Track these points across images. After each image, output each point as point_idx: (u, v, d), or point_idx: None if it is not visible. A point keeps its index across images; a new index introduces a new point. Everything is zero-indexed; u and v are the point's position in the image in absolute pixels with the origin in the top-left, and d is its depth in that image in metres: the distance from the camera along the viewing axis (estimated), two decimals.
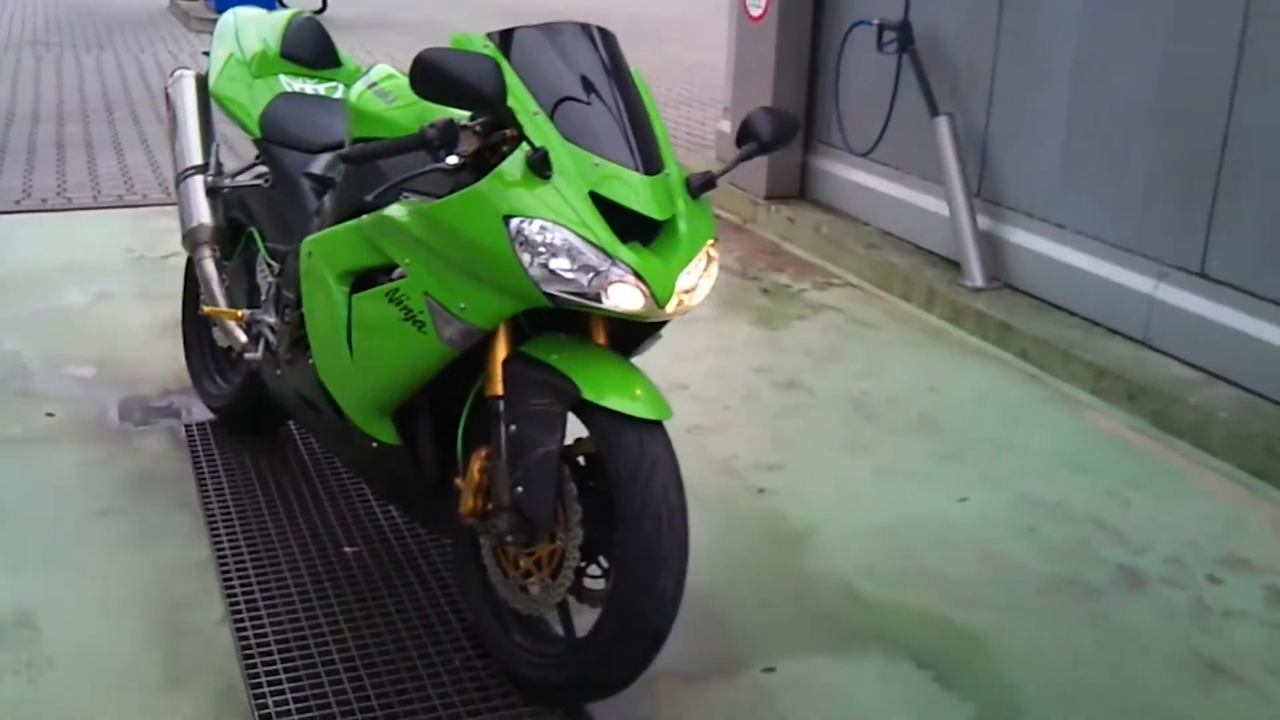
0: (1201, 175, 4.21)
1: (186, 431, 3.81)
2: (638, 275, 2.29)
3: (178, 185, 3.58)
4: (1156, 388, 4.12)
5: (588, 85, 2.41)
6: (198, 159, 3.58)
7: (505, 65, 2.35)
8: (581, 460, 2.50)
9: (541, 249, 2.27)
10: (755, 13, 6.29)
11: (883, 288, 5.37)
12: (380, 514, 3.33)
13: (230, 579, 3.01)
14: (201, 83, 3.66)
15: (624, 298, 2.30)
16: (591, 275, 2.28)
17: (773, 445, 3.87)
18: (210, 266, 3.51)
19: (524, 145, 2.32)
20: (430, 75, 2.22)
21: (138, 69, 10.68)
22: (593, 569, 2.53)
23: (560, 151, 2.31)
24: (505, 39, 2.42)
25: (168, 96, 3.73)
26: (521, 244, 2.27)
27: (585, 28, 2.50)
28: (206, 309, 3.48)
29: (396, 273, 2.55)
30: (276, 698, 2.58)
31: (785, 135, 2.60)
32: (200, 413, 3.90)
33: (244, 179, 3.51)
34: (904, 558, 3.24)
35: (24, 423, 3.85)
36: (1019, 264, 5.02)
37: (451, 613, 2.88)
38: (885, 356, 4.66)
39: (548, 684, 2.54)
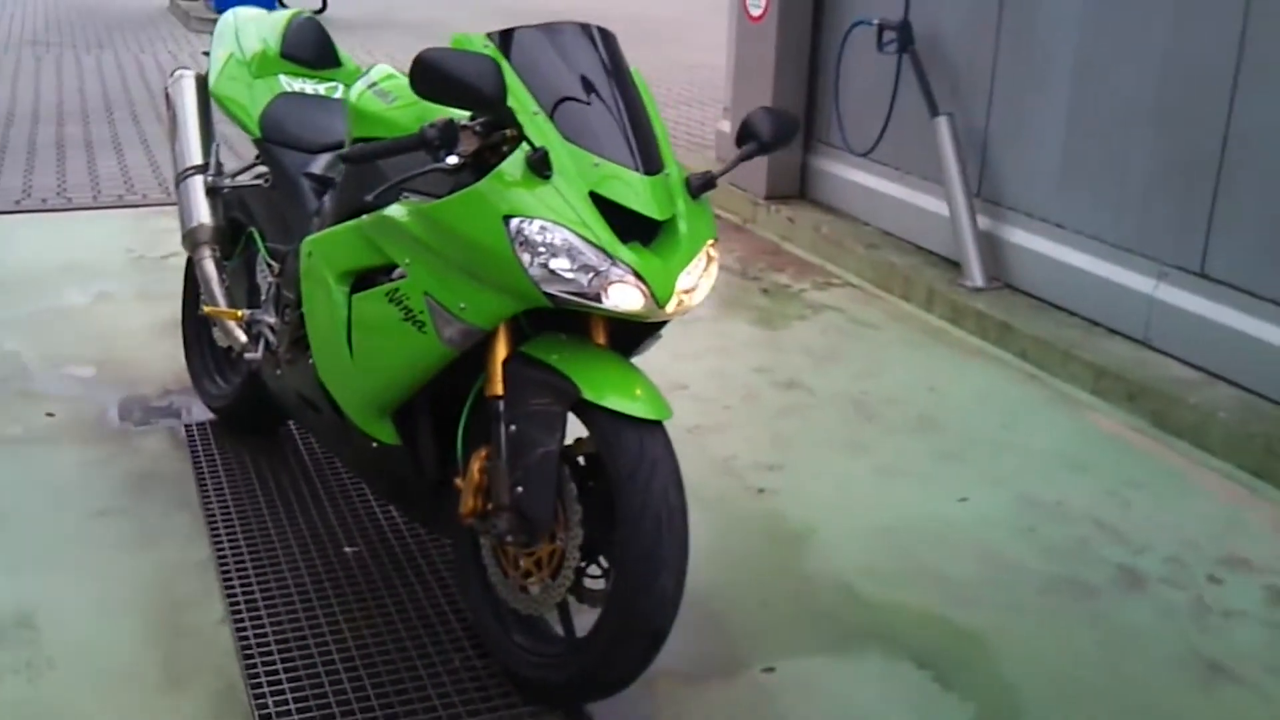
0: (1201, 175, 4.21)
1: (186, 431, 3.81)
2: (638, 275, 2.29)
3: (178, 185, 3.59)
4: (1156, 388, 4.12)
5: (588, 85, 2.41)
6: (198, 159, 3.58)
7: (505, 65, 2.35)
8: (581, 460, 2.50)
9: (541, 249, 2.27)
10: (755, 13, 6.29)
11: (883, 288, 5.37)
12: (380, 514, 3.33)
13: (230, 579, 3.01)
14: (201, 83, 3.66)
15: (624, 298, 2.30)
16: (591, 275, 2.28)
17: (772, 445, 3.87)
18: (210, 266, 3.51)
19: (524, 145, 2.32)
20: (430, 75, 2.22)
21: (138, 69, 10.68)
22: (593, 569, 2.53)
23: (560, 151, 2.31)
24: (505, 39, 2.42)
25: (168, 96, 3.73)
26: (521, 244, 2.28)
27: (585, 28, 2.50)
28: (206, 309, 3.48)
29: (396, 273, 2.55)
30: (276, 698, 2.58)
31: (785, 135, 2.59)
32: (200, 413, 3.90)
33: (244, 179, 3.51)
34: (904, 558, 3.24)
35: (24, 423, 3.85)
36: (1019, 264, 5.02)
37: (451, 613, 2.88)
38: (885, 356, 4.67)
39: (548, 684, 2.54)
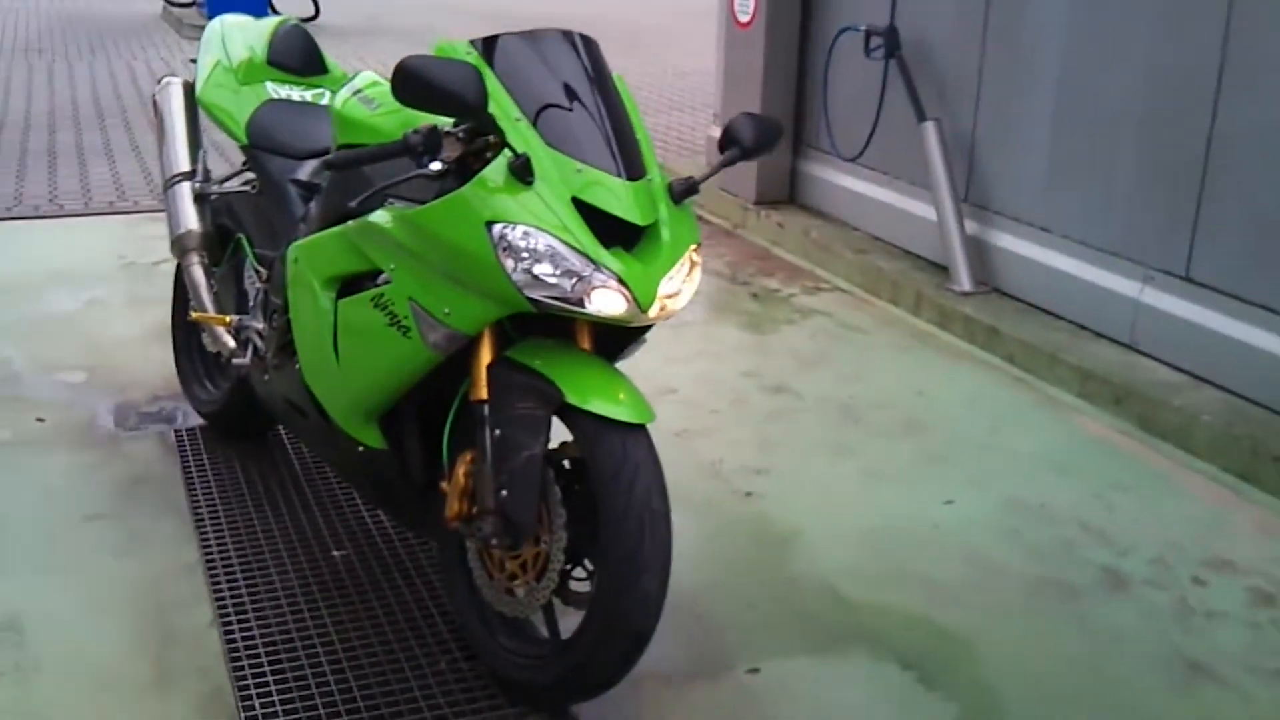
0: (1186, 179, 4.23)
1: (176, 436, 3.82)
2: (620, 280, 2.31)
3: (166, 192, 3.60)
4: (1142, 391, 4.14)
5: (570, 92, 2.43)
6: (185, 165, 3.60)
7: (487, 72, 2.37)
8: (566, 464, 2.52)
9: (524, 254, 2.29)
10: (743, 19, 6.32)
11: (871, 292, 5.40)
12: (368, 518, 3.35)
13: (219, 582, 3.02)
14: (189, 90, 3.67)
15: (607, 302, 2.32)
16: (574, 280, 2.30)
17: (760, 449, 3.89)
18: (198, 272, 3.53)
19: (506, 151, 2.34)
20: (411, 83, 2.24)
21: (130, 76, 10.69)
22: (578, 572, 2.55)
23: (543, 157, 2.33)
24: (488, 46, 2.44)
25: (155, 103, 3.74)
26: (505, 249, 2.29)
27: (568, 34, 2.52)
28: (195, 315, 3.49)
29: (381, 278, 2.56)
30: (264, 700, 2.59)
31: (768, 141, 2.61)
32: (190, 418, 3.92)
33: (231, 185, 3.52)
34: (889, 560, 3.26)
35: (14, 428, 3.86)
36: (1006, 268, 5.05)
37: (438, 615, 2.90)
38: (873, 360, 4.69)
39: (533, 685, 2.55)
